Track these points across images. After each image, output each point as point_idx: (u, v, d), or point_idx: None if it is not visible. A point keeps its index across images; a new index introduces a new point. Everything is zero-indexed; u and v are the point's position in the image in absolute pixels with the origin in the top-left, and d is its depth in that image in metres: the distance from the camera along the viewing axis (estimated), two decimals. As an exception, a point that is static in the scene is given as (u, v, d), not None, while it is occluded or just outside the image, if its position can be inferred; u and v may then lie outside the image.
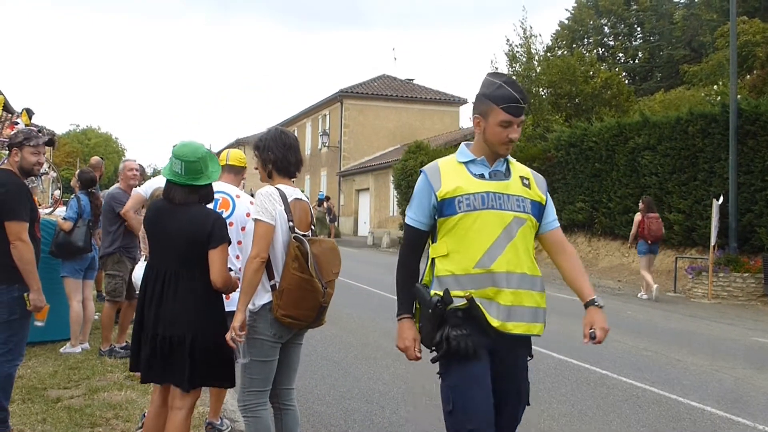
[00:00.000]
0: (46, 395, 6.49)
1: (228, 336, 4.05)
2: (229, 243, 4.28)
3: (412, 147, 31.05)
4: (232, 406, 6.32)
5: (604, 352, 9.23)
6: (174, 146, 4.34)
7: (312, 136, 49.19)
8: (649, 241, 15.40)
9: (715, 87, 24.23)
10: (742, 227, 15.94)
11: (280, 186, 4.29)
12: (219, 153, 5.88)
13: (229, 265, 4.39)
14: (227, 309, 4.45)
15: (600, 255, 20.89)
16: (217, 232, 4.18)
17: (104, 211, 8.46)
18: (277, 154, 4.36)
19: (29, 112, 16.08)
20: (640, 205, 15.81)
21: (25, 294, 5.18)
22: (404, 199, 30.00)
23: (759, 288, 15.05)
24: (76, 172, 10.33)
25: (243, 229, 5.09)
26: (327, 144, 44.49)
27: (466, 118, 45.42)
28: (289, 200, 4.26)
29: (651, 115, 19.82)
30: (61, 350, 8.29)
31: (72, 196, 8.96)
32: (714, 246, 15.42)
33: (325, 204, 34.50)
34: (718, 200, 15.53)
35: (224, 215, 5.00)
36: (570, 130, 22.43)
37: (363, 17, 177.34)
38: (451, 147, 31.14)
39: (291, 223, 4.21)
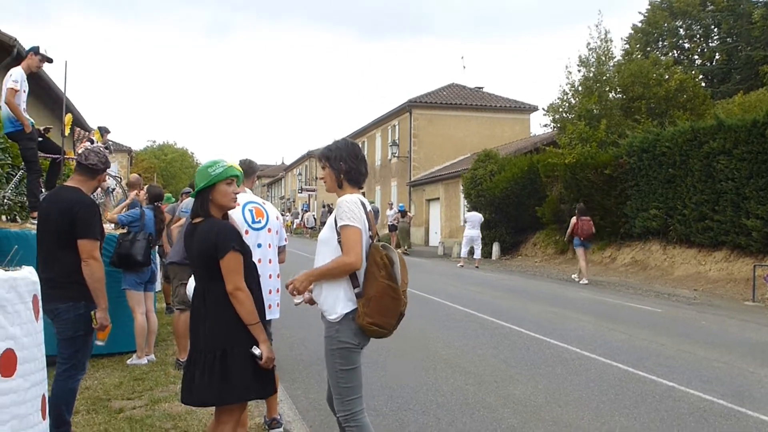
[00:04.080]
0: (109, 406, 6.61)
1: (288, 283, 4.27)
2: (239, 250, 4.22)
3: (481, 155, 30.79)
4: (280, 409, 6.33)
5: (673, 363, 8.97)
6: None
7: (382, 147, 49.28)
8: (582, 238, 19.92)
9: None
10: (824, 233, 15.30)
11: (359, 196, 4.38)
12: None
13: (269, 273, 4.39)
14: (267, 317, 4.46)
15: (675, 263, 20.31)
16: (221, 242, 4.16)
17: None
18: (351, 165, 4.44)
19: (102, 130, 16.54)
20: (576, 211, 20.31)
21: (93, 312, 5.27)
22: (474, 208, 29.74)
23: (842, 296, 14.43)
24: (146, 186, 10.62)
25: (269, 230, 5.44)
26: (397, 154, 44.48)
27: (536, 125, 45.03)
28: (367, 209, 4.36)
29: (726, 119, 19.18)
30: (128, 362, 8.46)
31: (137, 208, 9.16)
32: (794, 253, 14.86)
33: (408, 215, 34.80)
34: (797, 205, 14.97)
35: (261, 223, 5.13)
36: (642, 135, 21.90)
37: (430, 26, 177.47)
38: (521, 155, 30.83)
39: (370, 232, 4.31)
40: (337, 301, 4.24)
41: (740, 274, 17.66)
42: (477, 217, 25.32)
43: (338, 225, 4.25)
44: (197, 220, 4.32)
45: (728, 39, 41.67)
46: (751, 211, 17.38)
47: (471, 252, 25.52)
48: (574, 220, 20.20)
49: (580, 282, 19.65)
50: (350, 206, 4.25)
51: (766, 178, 17.05)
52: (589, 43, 27.02)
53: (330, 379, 4.39)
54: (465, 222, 26.23)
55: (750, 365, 8.99)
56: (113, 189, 10.97)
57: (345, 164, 4.43)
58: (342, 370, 4.28)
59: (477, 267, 24.48)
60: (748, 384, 7.99)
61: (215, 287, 4.18)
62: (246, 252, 4.29)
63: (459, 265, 24.81)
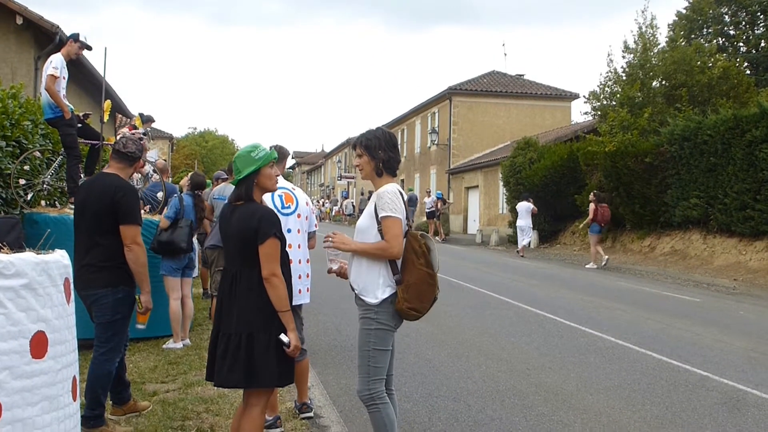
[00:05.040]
0: (143, 389, 6.73)
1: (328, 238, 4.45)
2: (279, 238, 4.30)
3: (520, 143, 30.61)
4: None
5: (708, 353, 8.90)
6: None
7: (421, 134, 49.20)
8: (602, 225, 21.17)
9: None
10: None
11: (396, 185, 4.51)
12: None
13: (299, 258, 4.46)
14: (296, 303, 4.53)
15: (716, 253, 20.04)
16: (263, 228, 4.22)
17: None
18: (389, 154, 4.56)
19: (143, 117, 16.77)
20: (592, 197, 21.41)
21: (137, 296, 5.41)
22: (512, 196, 29.61)
23: None
24: (189, 174, 10.78)
25: (299, 216, 5.61)
26: (436, 142, 44.38)
27: (577, 112, 44.56)
28: (405, 198, 4.50)
29: (769, 107, 18.83)
30: (164, 346, 8.60)
31: (175, 196, 9.29)
32: (837, 243, 14.61)
33: (447, 202, 34.98)
34: (841, 195, 14.72)
35: (291, 209, 5.24)
36: (684, 124, 21.60)
37: (472, 13, 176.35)
38: (561, 143, 30.58)
39: (407, 221, 4.44)
40: (377, 286, 4.40)
41: (783, 265, 17.40)
42: (524, 206, 25.10)
43: (379, 215, 4.38)
44: (239, 203, 4.38)
45: (775, 26, 40.85)
46: (793, 201, 17.08)
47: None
48: (592, 206, 21.14)
49: (600, 266, 20.53)
50: (391, 197, 4.38)
51: (810, 167, 16.74)
52: (633, 30, 26.73)
53: (359, 359, 4.50)
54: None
55: (787, 356, 8.89)
56: (151, 174, 11.11)
57: (384, 153, 4.53)
58: (376, 349, 4.42)
59: (522, 255, 24.39)
60: (784, 375, 7.91)
61: (249, 271, 4.25)
62: (283, 240, 4.37)
63: (520, 254, 24.68)
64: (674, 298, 14.31)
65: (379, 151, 4.52)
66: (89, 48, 9.48)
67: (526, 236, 25.12)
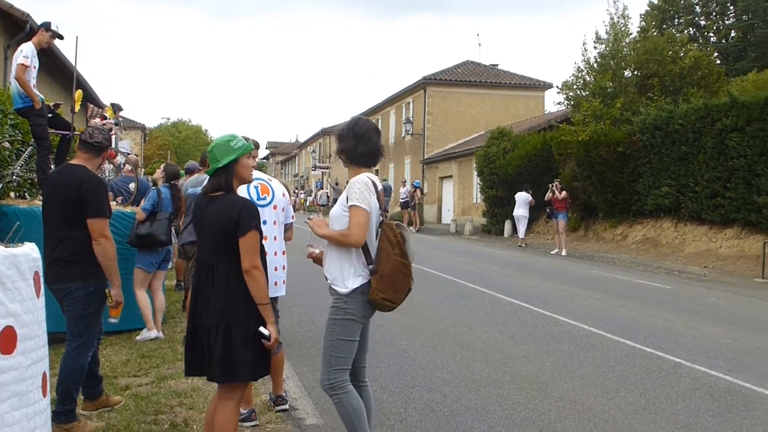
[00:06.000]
0: (116, 383, 6.66)
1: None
2: (259, 230, 4.27)
3: (494, 133, 30.67)
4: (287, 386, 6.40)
5: (680, 339, 9.00)
6: None
7: (396, 124, 49.14)
8: (563, 211, 22.24)
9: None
10: (837, 210, 15.20)
11: (370, 175, 4.45)
12: None
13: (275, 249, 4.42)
14: (272, 295, 4.50)
15: (686, 240, 20.25)
16: (243, 219, 4.17)
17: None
18: (348, 144, 4.49)
19: (114, 107, 16.59)
20: (558, 185, 22.37)
21: (107, 290, 5.32)
22: (486, 186, 29.69)
23: None
24: (162, 165, 10.65)
25: (275, 207, 5.51)
26: (411, 132, 44.34)
27: (551, 102, 44.74)
28: (378, 189, 4.44)
29: (739, 96, 19.03)
30: (137, 338, 8.50)
31: (153, 189, 9.20)
32: (805, 230, 14.80)
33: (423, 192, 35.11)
34: (810, 182, 14.91)
35: (267, 200, 5.19)
36: (655, 113, 21.77)
37: (447, 3, 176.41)
38: (534, 132, 30.69)
39: (380, 211, 4.41)
40: (347, 276, 4.36)
41: (751, 251, 17.62)
42: (522, 197, 24.93)
43: (347, 204, 4.34)
44: (217, 193, 4.32)
45: (744, 16, 41.22)
46: (762, 189, 17.29)
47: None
48: (565, 193, 22.32)
49: (561, 254, 21.57)
50: (360, 188, 4.33)
51: (779, 156, 16.93)
52: (605, 20, 26.90)
53: (324, 348, 4.47)
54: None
55: (757, 341, 9.01)
56: (123, 165, 11.01)
57: (344, 143, 4.50)
58: (340, 339, 4.38)
59: (522, 245, 24.36)
60: (754, 360, 8.02)
61: (227, 263, 4.20)
62: (261, 232, 4.34)
63: (520, 245, 24.55)
64: (646, 285, 14.44)
65: (342, 142, 4.50)
66: (60, 37, 9.34)
67: (522, 226, 24.97)
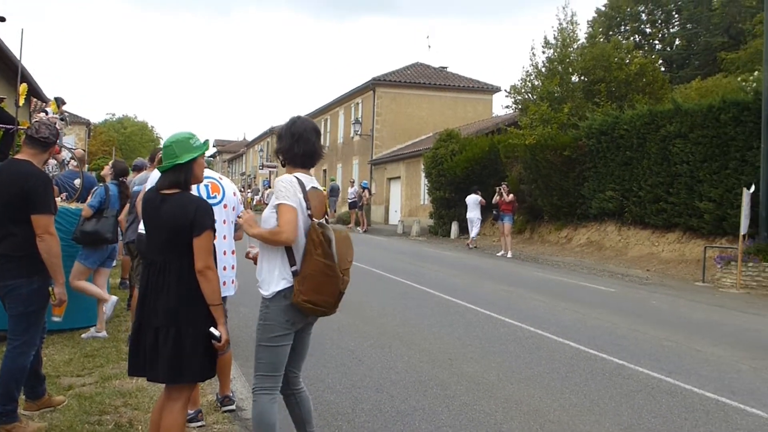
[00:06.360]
0: (58, 383, 6.52)
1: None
2: (214, 230, 4.23)
3: (443, 135, 30.86)
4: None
5: (624, 342, 9.15)
6: None
7: (344, 125, 49.13)
8: (513, 214, 22.81)
9: (755, 73, 23.69)
10: (774, 216, 15.62)
11: (297, 174, 4.31)
12: None
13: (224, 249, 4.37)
14: (222, 294, 4.44)
15: (630, 244, 20.64)
16: (199, 219, 4.11)
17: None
18: (285, 144, 4.37)
19: (58, 101, 16.28)
20: (505, 188, 22.66)
21: (51, 287, 5.21)
22: (434, 188, 29.85)
23: (790, 278, 14.78)
24: (111, 162, 10.47)
25: (225, 206, 5.45)
26: (359, 132, 44.38)
27: (499, 105, 45.18)
28: (306, 188, 4.27)
29: (683, 103, 19.48)
30: (83, 336, 8.35)
31: (100, 185, 9.04)
32: (744, 235, 15.19)
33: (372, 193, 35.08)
34: (749, 189, 15.30)
35: (217, 198, 5.12)
36: (601, 118, 22.15)
37: (397, 4, 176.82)
38: (482, 135, 30.96)
39: (309, 212, 4.23)
40: (272, 279, 4.23)
41: (692, 255, 18.03)
42: (473, 199, 24.93)
43: (274, 203, 4.23)
44: (173, 191, 4.25)
45: (688, 25, 42.20)
46: (704, 194, 17.72)
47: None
48: (513, 195, 22.72)
49: (507, 256, 21.87)
50: (285, 185, 4.21)
51: (720, 162, 17.38)
52: (554, 26, 27.26)
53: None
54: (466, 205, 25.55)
55: (698, 344, 9.20)
56: (68, 161, 10.79)
57: (281, 143, 4.39)
58: (260, 344, 4.26)
59: (473, 246, 24.37)
60: (695, 362, 8.19)
61: (179, 262, 4.14)
62: (216, 231, 4.29)
63: (470, 245, 24.51)
64: (590, 288, 14.66)
65: (282, 140, 4.38)
66: (2, 19, 9.14)
67: (475, 228, 25.00)
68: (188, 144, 4.24)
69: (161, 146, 4.78)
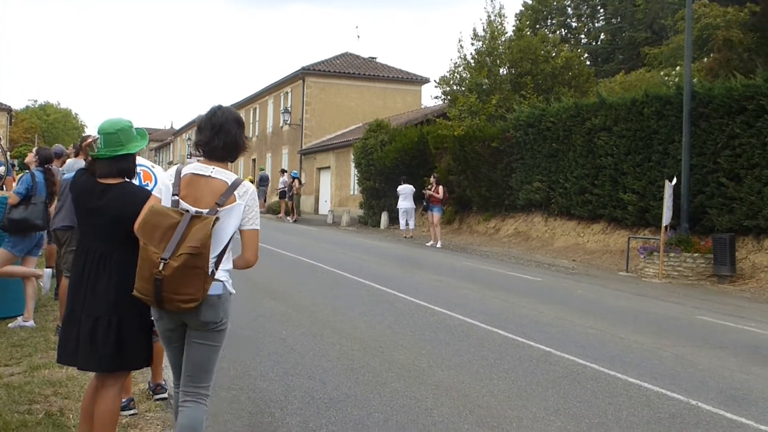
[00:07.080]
0: (-16, 373, 6.40)
1: None
2: None
3: (372, 125, 30.94)
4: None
5: (550, 329, 9.34)
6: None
7: (274, 114, 48.82)
8: (443, 205, 22.80)
9: (677, 68, 24.35)
10: (694, 208, 16.12)
11: (191, 165, 4.04)
12: None
13: None
14: None
15: (556, 235, 21.05)
16: None
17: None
18: (204, 136, 4.05)
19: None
20: (434, 179, 22.75)
21: None
22: (364, 178, 29.92)
23: (708, 268, 15.28)
24: (34, 149, 10.22)
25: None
26: (289, 122, 44.16)
27: (428, 96, 45.49)
28: (182, 174, 3.94)
29: (608, 97, 19.94)
30: (10, 325, 8.18)
31: (25, 172, 8.84)
32: (666, 226, 15.64)
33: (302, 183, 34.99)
34: (671, 181, 15.77)
35: (149, 187, 5.06)
36: (528, 110, 22.50)
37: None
38: (411, 126, 31.12)
39: (176, 197, 3.87)
40: None
41: (616, 246, 18.49)
42: (408, 188, 24.64)
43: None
44: (116, 180, 4.18)
45: (613, 20, 43.11)
46: (627, 186, 18.17)
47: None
48: (443, 187, 22.67)
49: (436, 246, 21.84)
50: (164, 175, 4.16)
51: (643, 155, 17.83)
52: (482, 18, 27.56)
53: None
54: (398, 195, 25.08)
55: (621, 332, 9.46)
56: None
57: (200, 135, 4.07)
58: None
59: (409, 237, 24.29)
60: (619, 349, 8.42)
61: (122, 252, 4.11)
62: None
63: (406, 236, 24.36)
64: (518, 277, 14.92)
65: (201, 132, 4.07)
66: None
67: (411, 219, 24.85)
68: (132, 133, 4.21)
69: (87, 134, 4.69)
